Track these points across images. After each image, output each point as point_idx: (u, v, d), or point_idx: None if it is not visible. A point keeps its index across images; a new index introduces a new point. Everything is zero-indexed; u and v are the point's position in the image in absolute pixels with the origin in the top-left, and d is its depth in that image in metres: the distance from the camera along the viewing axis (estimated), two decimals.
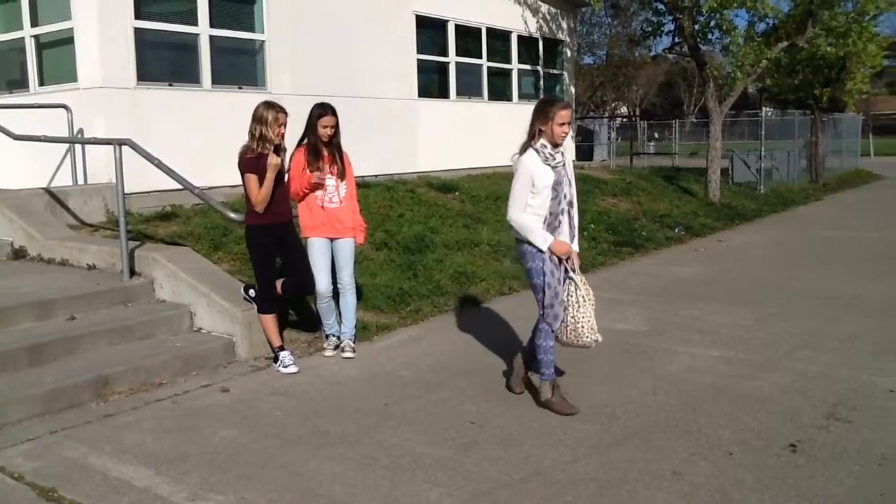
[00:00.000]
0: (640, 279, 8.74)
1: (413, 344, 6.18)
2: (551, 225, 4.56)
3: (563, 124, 4.52)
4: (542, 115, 4.55)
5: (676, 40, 16.26)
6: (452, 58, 14.00)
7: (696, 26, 15.44)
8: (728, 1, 14.16)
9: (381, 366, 5.61)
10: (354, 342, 5.89)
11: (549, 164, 4.52)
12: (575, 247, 4.70)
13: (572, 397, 4.74)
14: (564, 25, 17.32)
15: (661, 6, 16.17)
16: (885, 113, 66.38)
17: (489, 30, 14.96)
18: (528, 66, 16.24)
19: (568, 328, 4.59)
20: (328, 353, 5.85)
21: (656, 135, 39.99)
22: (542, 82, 16.65)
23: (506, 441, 4.24)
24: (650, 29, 17.08)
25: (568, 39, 17.62)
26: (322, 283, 5.65)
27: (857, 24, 16.97)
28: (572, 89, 17.88)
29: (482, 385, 5.16)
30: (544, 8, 16.43)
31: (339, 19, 11.34)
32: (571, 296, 4.59)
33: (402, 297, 7.12)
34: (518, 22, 15.77)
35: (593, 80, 37.90)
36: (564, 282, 4.61)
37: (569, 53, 17.78)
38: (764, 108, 21.26)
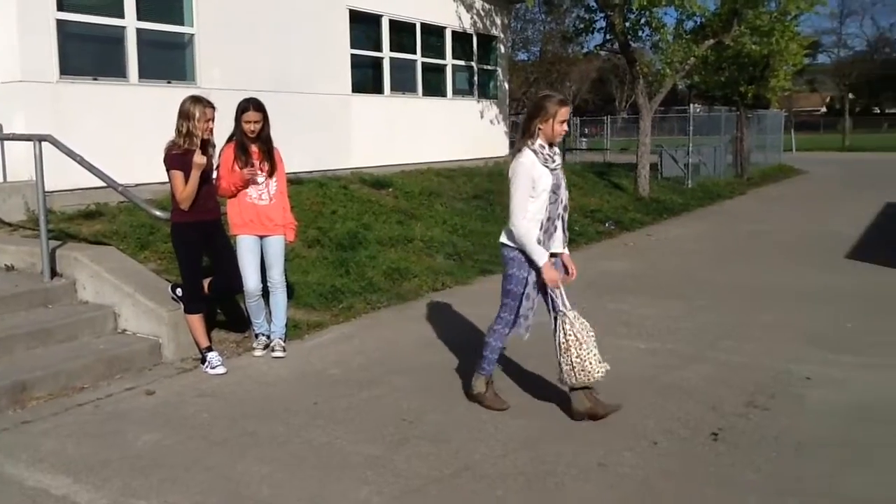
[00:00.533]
0: None
1: (345, 342, 6.14)
2: (548, 231, 4.31)
3: (563, 122, 4.27)
4: (542, 112, 4.24)
5: (607, 37, 16.52)
6: (387, 53, 13.95)
7: (627, 24, 15.70)
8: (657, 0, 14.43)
9: (311, 365, 5.56)
10: (285, 341, 5.82)
11: (547, 167, 4.25)
12: (566, 250, 4.54)
13: (503, 393, 4.77)
14: (499, 21, 17.41)
15: (592, 3, 16.42)
16: (806, 109, 68.92)
17: (423, 25, 14.94)
18: (462, 62, 16.28)
19: (575, 370, 4.25)
20: (258, 352, 5.77)
21: (586, 130, 40.55)
22: (476, 78, 16.70)
23: (437, 437, 4.25)
24: (582, 26, 17.31)
25: (502, 35, 17.71)
26: (251, 281, 5.57)
27: (780, 23, 17.54)
28: (506, 85, 18.00)
29: (414, 381, 5.17)
30: (479, 4, 16.49)
31: (271, 13, 11.18)
32: (569, 335, 4.26)
33: (334, 294, 7.07)
34: (452, 18, 15.79)
35: (527, 77, 38.21)
36: (556, 319, 4.35)
37: (503, 49, 17.88)
38: (692, 105, 21.79)
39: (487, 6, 16.81)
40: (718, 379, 5.16)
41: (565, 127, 4.32)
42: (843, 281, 8.23)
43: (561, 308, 4.32)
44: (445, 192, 12.06)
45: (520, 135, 4.36)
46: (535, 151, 4.24)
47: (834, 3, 50.97)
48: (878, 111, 65.65)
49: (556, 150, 4.35)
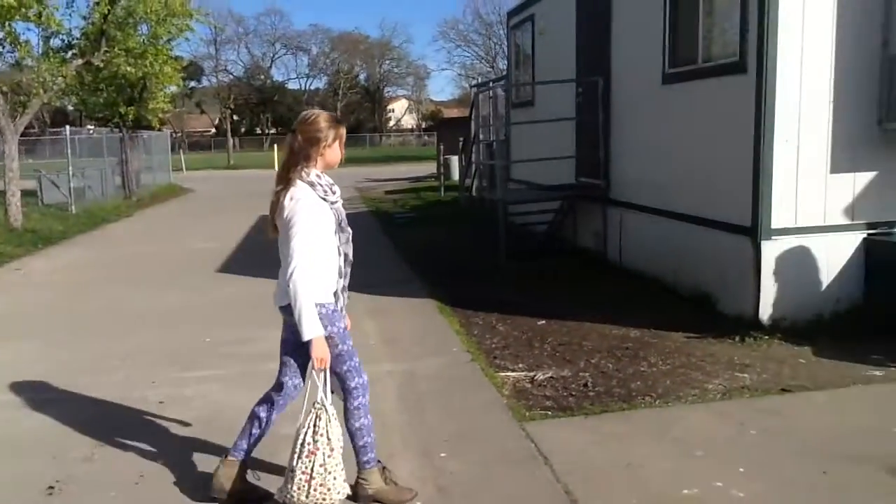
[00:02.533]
0: None
1: None
2: (344, 276, 3.51)
3: (342, 144, 3.48)
4: (322, 135, 3.37)
5: None
6: None
7: None
8: (6, 14, 13.25)
9: None
10: None
11: (327, 200, 3.39)
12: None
13: None
14: None
15: None
16: (199, 130, 72.29)
17: None
18: None
19: (314, 482, 3.29)
20: None
21: None
22: None
23: None
24: None
25: None
26: None
27: (153, 46, 17.87)
28: None
29: None
30: None
31: None
32: (320, 434, 3.32)
33: None
34: None
35: None
36: (313, 408, 3.37)
37: None
38: (82, 126, 20.74)
39: None
40: (68, 422, 4.84)
41: (342, 149, 3.52)
42: (214, 295, 8.61)
43: (320, 399, 3.37)
44: None
45: (288, 165, 3.39)
46: (311, 184, 3.37)
47: (208, 31, 53.71)
48: (261, 131, 72.06)
49: (331, 180, 3.48)
